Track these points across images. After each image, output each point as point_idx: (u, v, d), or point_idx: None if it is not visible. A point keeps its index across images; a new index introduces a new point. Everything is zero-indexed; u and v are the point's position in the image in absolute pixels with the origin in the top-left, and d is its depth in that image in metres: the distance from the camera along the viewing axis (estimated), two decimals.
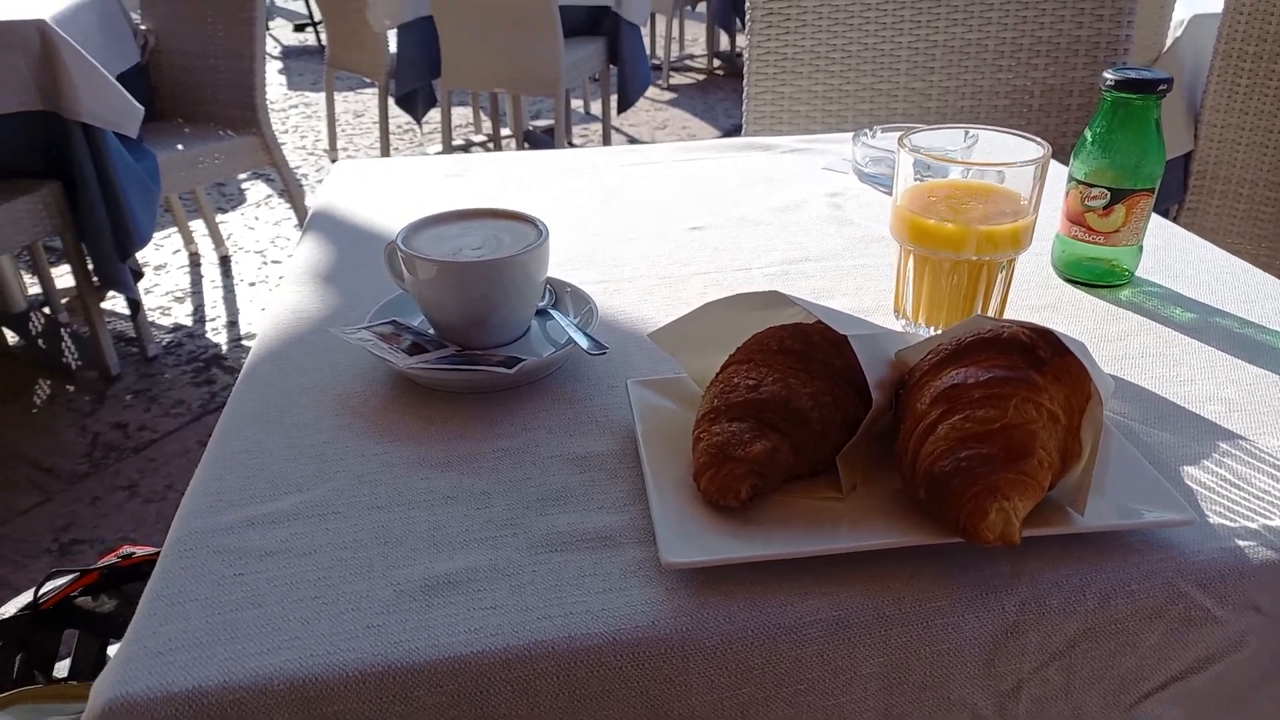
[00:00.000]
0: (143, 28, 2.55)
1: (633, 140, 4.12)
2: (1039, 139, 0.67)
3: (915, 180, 0.68)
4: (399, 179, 1.06)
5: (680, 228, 0.93)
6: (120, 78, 2.11)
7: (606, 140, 3.76)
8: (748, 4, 1.44)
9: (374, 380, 0.65)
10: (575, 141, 4.11)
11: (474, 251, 0.66)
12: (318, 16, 4.79)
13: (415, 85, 3.37)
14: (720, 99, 4.74)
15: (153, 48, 2.58)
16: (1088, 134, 0.76)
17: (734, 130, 4.24)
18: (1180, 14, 1.94)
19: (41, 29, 1.87)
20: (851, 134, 1.08)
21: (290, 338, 0.71)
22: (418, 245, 0.67)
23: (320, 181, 3.62)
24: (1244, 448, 0.57)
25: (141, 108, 2.05)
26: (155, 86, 2.58)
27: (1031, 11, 1.37)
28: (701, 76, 5.24)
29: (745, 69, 1.45)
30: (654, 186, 1.03)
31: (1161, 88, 0.72)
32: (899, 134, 0.69)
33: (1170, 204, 1.94)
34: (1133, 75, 0.73)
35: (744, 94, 1.47)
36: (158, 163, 2.22)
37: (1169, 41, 1.96)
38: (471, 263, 0.64)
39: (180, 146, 2.38)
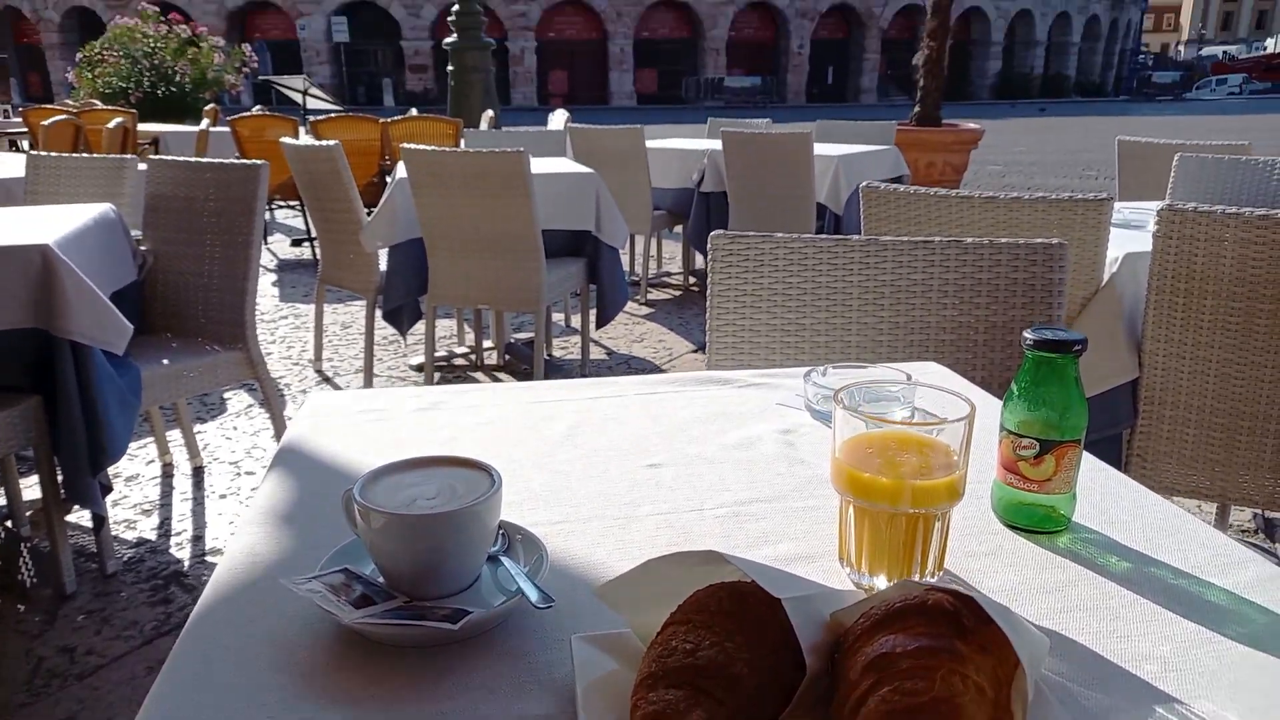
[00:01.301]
0: (143, 248, 2.68)
1: (610, 352, 4.26)
2: (965, 396, 0.71)
3: (855, 423, 0.71)
4: (369, 413, 1.09)
5: (638, 465, 0.95)
6: (113, 293, 2.19)
7: (585, 352, 3.89)
8: (709, 245, 1.55)
9: (320, 633, 0.65)
10: (555, 353, 4.25)
11: (428, 501, 0.68)
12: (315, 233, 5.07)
13: (402, 301, 3.52)
14: (695, 314, 4.95)
15: (150, 266, 2.70)
16: (1014, 388, 0.81)
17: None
18: (1114, 252, 2.09)
19: (44, 253, 1.96)
20: (804, 371, 1.14)
21: (241, 585, 0.72)
22: (374, 494, 0.69)
23: (303, 391, 3.68)
24: (1178, 712, 0.57)
25: (130, 326, 2.12)
26: (148, 300, 2.68)
27: (970, 256, 1.48)
28: (678, 292, 5.51)
29: (708, 304, 1.55)
30: (615, 422, 1.07)
31: (1076, 347, 0.78)
32: (835, 391, 0.73)
33: (1123, 427, 2.01)
34: (1049, 336, 0.79)
35: (706, 326, 1.55)
36: (140, 377, 2.26)
37: (1106, 276, 2.10)
38: (421, 515, 0.66)
39: (165, 361, 2.43)
